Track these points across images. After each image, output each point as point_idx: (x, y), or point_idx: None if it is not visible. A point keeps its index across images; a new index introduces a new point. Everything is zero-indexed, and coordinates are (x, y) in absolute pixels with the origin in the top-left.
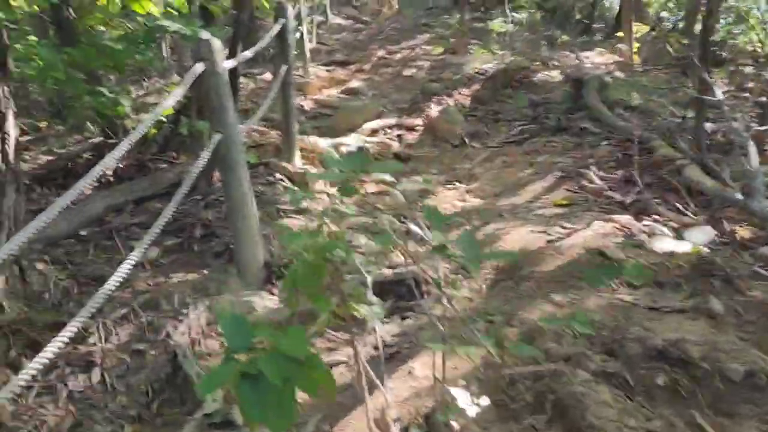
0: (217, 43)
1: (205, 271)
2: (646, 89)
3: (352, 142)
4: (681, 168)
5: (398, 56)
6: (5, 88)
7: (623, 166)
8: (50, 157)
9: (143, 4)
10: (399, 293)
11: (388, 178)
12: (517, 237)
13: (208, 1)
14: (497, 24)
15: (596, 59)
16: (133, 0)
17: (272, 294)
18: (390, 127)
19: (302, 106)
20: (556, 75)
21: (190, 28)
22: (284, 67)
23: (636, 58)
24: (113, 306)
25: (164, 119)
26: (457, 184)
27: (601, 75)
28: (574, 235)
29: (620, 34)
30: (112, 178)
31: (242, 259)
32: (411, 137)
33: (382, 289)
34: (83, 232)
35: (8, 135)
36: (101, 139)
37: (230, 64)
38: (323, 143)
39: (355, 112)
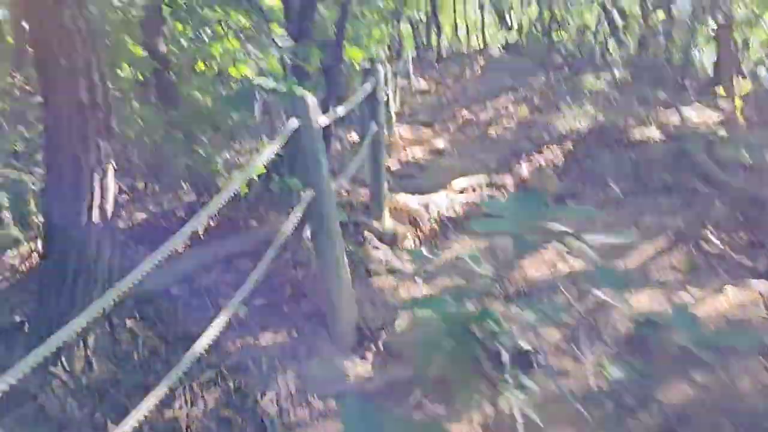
0: (312, 100)
1: (295, 334)
2: (757, 147)
3: (441, 200)
4: None
5: (483, 117)
6: (107, 146)
7: (744, 228)
8: (144, 216)
9: (239, 68)
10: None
11: (566, 230)
12: (637, 303)
13: (302, 60)
14: (590, 81)
15: (694, 117)
16: (230, 65)
17: (364, 359)
18: (480, 186)
19: (387, 165)
20: (653, 133)
21: (286, 85)
22: (374, 127)
23: (740, 115)
24: (201, 368)
25: (256, 177)
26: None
27: (707, 133)
28: (706, 302)
29: (720, 90)
30: (202, 236)
31: (334, 321)
32: (501, 195)
33: None
34: (174, 290)
35: (107, 191)
36: (194, 197)
37: (324, 121)
38: (413, 201)
39: (444, 170)
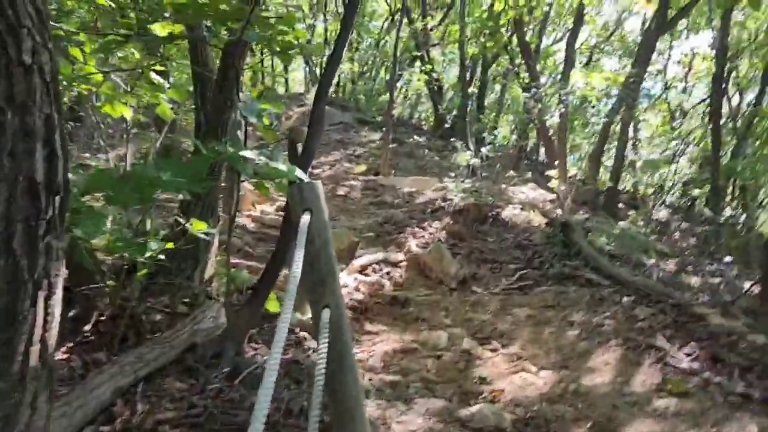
0: (320, 187)
1: None
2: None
3: (347, 281)
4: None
5: (324, 174)
6: (61, 244)
7: (687, 337)
8: None
9: (117, 108)
10: None
11: None
12: None
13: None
14: (464, 157)
15: (531, 194)
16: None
17: None
18: (378, 263)
19: (243, 224)
20: (518, 212)
21: (285, 164)
22: None
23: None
24: None
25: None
26: (495, 343)
27: (582, 220)
28: None
29: (553, 173)
30: (92, 337)
31: None
32: (397, 274)
33: None
34: None
35: (52, 315)
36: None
37: None
38: None
39: None
